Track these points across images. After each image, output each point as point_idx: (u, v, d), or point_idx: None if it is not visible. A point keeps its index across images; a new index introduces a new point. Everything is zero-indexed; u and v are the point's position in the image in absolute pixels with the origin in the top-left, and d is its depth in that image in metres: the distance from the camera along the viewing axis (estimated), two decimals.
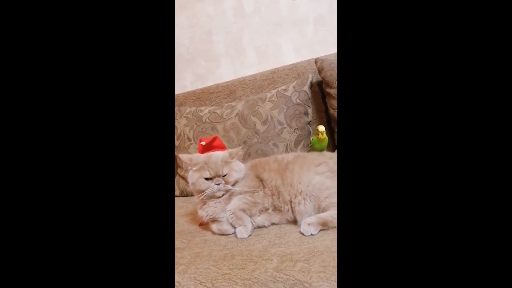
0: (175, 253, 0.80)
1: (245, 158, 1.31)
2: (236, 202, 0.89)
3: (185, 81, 1.85)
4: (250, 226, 0.86)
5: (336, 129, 1.41)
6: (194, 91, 1.72)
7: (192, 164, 0.91)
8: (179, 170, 1.50)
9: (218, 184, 0.88)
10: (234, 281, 0.65)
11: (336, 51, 1.52)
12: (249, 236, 0.85)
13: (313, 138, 1.22)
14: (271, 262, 0.68)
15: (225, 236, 0.88)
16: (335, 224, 0.80)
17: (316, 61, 1.43)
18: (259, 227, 0.89)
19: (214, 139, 0.97)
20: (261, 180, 0.94)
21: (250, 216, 0.88)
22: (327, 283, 0.60)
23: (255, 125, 1.37)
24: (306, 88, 1.41)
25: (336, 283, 0.60)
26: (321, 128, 1.16)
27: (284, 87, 1.43)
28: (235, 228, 0.87)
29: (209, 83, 1.78)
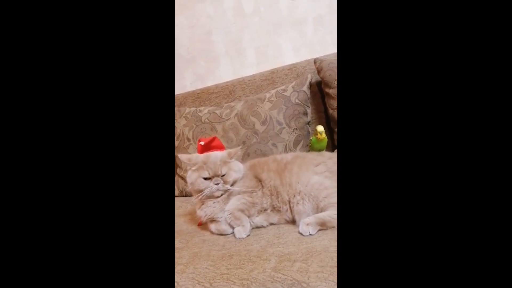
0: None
1: (244, 158, 1.31)
2: (234, 202, 0.89)
3: (184, 81, 1.85)
4: (248, 226, 0.86)
5: (335, 129, 1.42)
6: (193, 92, 1.72)
7: (191, 164, 0.91)
8: (178, 170, 1.50)
9: (217, 184, 0.88)
10: (232, 281, 0.66)
11: (335, 51, 1.52)
12: (248, 236, 0.85)
13: (312, 138, 1.22)
14: (269, 262, 0.68)
15: (223, 236, 0.88)
16: (334, 224, 0.80)
17: (315, 61, 1.43)
18: (257, 227, 0.90)
19: (213, 139, 0.98)
20: (260, 180, 0.94)
21: (249, 217, 0.88)
22: (325, 283, 0.61)
23: (254, 125, 1.37)
24: (305, 88, 1.41)
25: (334, 283, 0.60)
26: (320, 128, 1.17)
27: (283, 87, 1.43)
28: (233, 228, 0.87)
29: (209, 83, 1.78)
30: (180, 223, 1.06)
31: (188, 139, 1.46)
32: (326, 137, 1.19)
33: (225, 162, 0.90)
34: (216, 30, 1.76)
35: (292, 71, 1.54)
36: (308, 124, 1.41)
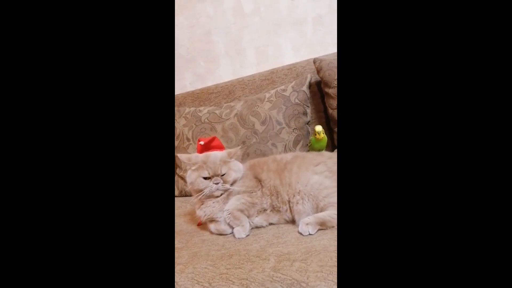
0: None
1: (244, 158, 1.31)
2: (234, 202, 0.89)
3: (184, 81, 1.85)
4: (248, 226, 0.86)
5: (335, 129, 1.42)
6: (193, 92, 1.72)
7: (191, 163, 0.91)
8: (177, 170, 1.50)
9: (217, 183, 0.88)
10: (231, 280, 0.66)
11: (334, 51, 1.52)
12: (247, 236, 0.85)
13: (311, 138, 1.22)
14: (268, 262, 0.68)
15: (223, 236, 0.88)
16: (333, 223, 0.80)
17: (314, 61, 1.44)
18: (257, 227, 0.89)
19: (213, 139, 0.98)
20: (260, 181, 0.94)
21: (248, 217, 0.88)
22: (324, 282, 0.61)
23: (254, 125, 1.37)
24: (305, 88, 1.41)
25: (333, 283, 0.60)
26: (318, 128, 1.17)
27: (283, 87, 1.43)
28: (233, 228, 0.87)
29: (209, 83, 1.79)
30: (180, 223, 1.06)
31: (188, 139, 1.46)
32: (325, 137, 1.19)
33: (225, 162, 0.91)
34: (216, 30, 1.77)
35: (291, 71, 1.54)
36: (307, 124, 1.41)
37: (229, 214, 0.87)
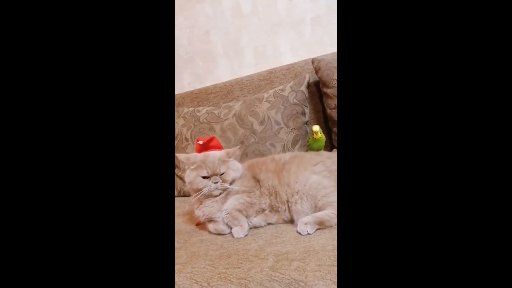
0: None
1: (242, 158, 1.31)
2: (232, 202, 0.89)
3: (183, 81, 1.85)
4: (246, 226, 0.86)
5: (333, 129, 1.42)
6: (192, 92, 1.72)
7: (190, 163, 0.91)
8: (176, 170, 1.50)
9: (216, 183, 0.88)
10: (229, 280, 0.66)
11: (332, 51, 1.53)
12: (246, 235, 0.85)
13: (309, 138, 1.22)
14: (267, 261, 0.68)
15: (221, 236, 0.88)
16: (332, 223, 0.80)
17: (313, 61, 1.44)
18: (255, 227, 0.90)
19: (211, 139, 0.98)
20: (258, 181, 0.94)
21: (247, 217, 0.88)
22: (323, 282, 0.61)
23: (252, 125, 1.37)
24: (303, 88, 1.41)
25: (331, 282, 0.60)
26: (316, 128, 1.17)
27: (281, 87, 1.43)
28: (231, 228, 0.87)
29: (207, 83, 1.79)
30: (179, 223, 1.06)
31: (186, 139, 1.46)
32: (323, 136, 1.19)
33: (223, 161, 0.91)
34: (215, 30, 1.77)
35: (290, 71, 1.54)
36: (306, 123, 1.41)
37: (227, 214, 0.87)
